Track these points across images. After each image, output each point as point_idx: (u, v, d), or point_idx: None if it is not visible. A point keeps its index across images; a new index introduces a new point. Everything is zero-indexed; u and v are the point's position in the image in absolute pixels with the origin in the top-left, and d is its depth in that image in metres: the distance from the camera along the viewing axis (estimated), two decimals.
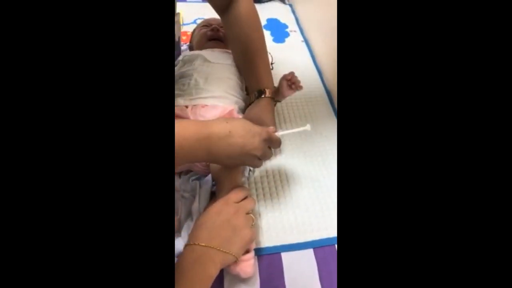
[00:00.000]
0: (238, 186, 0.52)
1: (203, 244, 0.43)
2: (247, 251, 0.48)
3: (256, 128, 0.47)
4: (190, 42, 0.85)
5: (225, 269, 0.47)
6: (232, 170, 0.53)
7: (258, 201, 0.58)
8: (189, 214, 0.54)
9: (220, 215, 0.46)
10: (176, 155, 0.39)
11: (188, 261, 0.41)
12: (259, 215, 0.56)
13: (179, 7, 0.76)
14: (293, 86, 0.64)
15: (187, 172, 0.60)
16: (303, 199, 0.59)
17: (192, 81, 0.64)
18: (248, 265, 0.47)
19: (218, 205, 0.48)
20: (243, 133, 0.45)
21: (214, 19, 0.80)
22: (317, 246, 0.53)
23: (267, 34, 1.01)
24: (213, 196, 0.55)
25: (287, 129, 0.55)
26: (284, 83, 0.64)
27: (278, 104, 0.71)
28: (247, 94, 0.69)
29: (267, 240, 0.53)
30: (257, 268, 0.50)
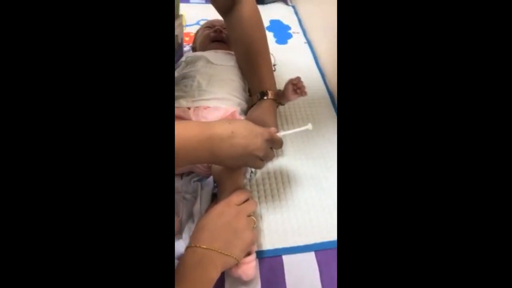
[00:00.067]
0: (240, 188, 0.52)
1: (204, 246, 0.42)
2: (249, 254, 0.47)
3: (258, 129, 0.48)
4: (193, 43, 0.85)
5: (226, 272, 0.47)
6: (234, 172, 0.53)
7: (259, 203, 0.58)
8: (190, 216, 0.54)
9: (222, 217, 0.46)
10: (179, 156, 0.39)
11: (189, 263, 0.41)
12: (261, 217, 0.56)
13: (182, 9, 0.76)
14: (298, 91, 0.64)
15: (189, 173, 0.60)
16: (304, 201, 0.59)
17: (195, 83, 0.64)
18: (250, 268, 0.46)
19: (219, 207, 0.48)
20: (245, 133, 0.45)
21: (217, 21, 0.80)
22: (318, 249, 0.52)
23: (269, 36, 1.01)
24: (215, 198, 0.55)
25: (289, 129, 0.55)
26: (290, 87, 0.64)
27: (280, 105, 0.71)
28: (250, 95, 0.69)
29: (269, 242, 0.53)
30: (258, 270, 0.49)
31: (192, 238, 0.45)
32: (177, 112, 0.60)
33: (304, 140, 0.70)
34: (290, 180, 0.62)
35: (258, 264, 0.50)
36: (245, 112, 0.67)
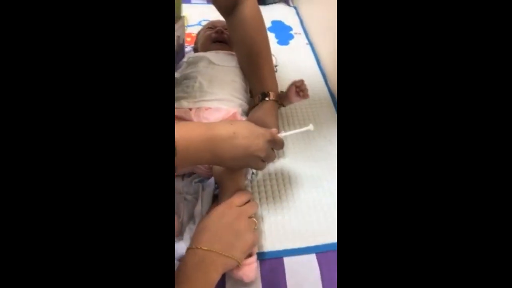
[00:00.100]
0: (241, 189, 0.52)
1: (205, 248, 0.42)
2: (250, 255, 0.47)
3: (260, 130, 0.48)
4: (195, 44, 0.85)
5: (227, 274, 0.47)
6: (235, 173, 0.53)
7: (260, 204, 0.58)
8: (191, 217, 0.54)
9: (223, 218, 0.46)
10: (181, 157, 0.39)
11: (190, 265, 0.41)
12: (262, 219, 0.56)
13: (184, 9, 0.76)
14: (301, 94, 0.64)
15: (190, 174, 0.60)
16: (306, 203, 0.59)
17: (197, 84, 0.64)
18: (251, 269, 0.46)
19: (220, 209, 0.48)
20: (247, 134, 0.45)
21: (219, 21, 0.80)
22: (320, 251, 0.52)
23: (271, 36, 1.01)
24: (216, 199, 0.55)
25: (290, 130, 0.55)
26: (293, 89, 0.64)
27: (282, 107, 0.71)
28: (251, 96, 0.69)
29: (270, 244, 0.53)
30: (259, 272, 0.49)
31: (193, 239, 0.45)
32: (178, 113, 0.60)
33: (306, 141, 0.70)
34: (291, 182, 0.62)
35: (259, 265, 0.50)
36: (247, 113, 0.67)
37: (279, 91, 0.68)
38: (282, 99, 0.66)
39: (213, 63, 0.68)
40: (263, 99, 0.64)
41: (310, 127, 0.53)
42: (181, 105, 0.61)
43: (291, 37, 1.03)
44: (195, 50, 0.84)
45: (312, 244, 0.53)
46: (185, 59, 0.74)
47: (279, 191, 0.60)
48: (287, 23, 1.10)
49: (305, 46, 0.99)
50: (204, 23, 0.90)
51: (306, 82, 0.65)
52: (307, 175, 0.63)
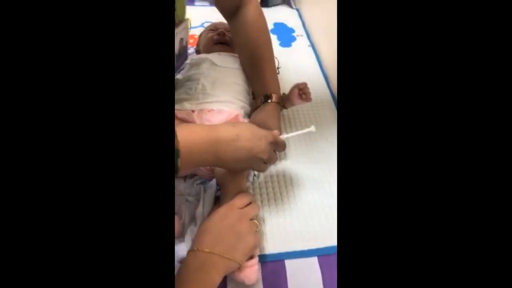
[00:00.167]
0: (243, 191, 0.52)
1: (206, 250, 0.42)
2: (251, 257, 0.47)
3: (262, 132, 0.48)
4: (197, 46, 0.85)
5: (229, 276, 0.47)
6: (237, 175, 0.53)
7: (262, 207, 0.58)
8: (193, 219, 0.54)
9: (224, 220, 0.46)
10: (183, 159, 0.39)
11: (191, 268, 0.41)
12: (263, 221, 0.56)
13: (187, 11, 0.77)
14: (303, 97, 0.64)
15: (192, 175, 0.60)
16: (308, 205, 0.59)
17: (199, 86, 0.64)
18: (252, 271, 0.46)
19: (222, 211, 0.48)
20: (249, 136, 0.45)
21: (221, 23, 0.80)
22: (321, 254, 0.52)
23: (273, 38, 1.01)
24: (217, 201, 0.55)
25: (292, 132, 0.55)
26: (295, 91, 0.64)
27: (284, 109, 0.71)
28: (253, 98, 0.69)
29: (271, 246, 0.53)
30: (261, 274, 0.49)
31: (195, 241, 0.45)
32: (181, 115, 0.61)
33: (308, 143, 0.70)
34: (293, 184, 0.62)
35: (260, 268, 0.50)
36: (249, 115, 0.67)
37: (281, 93, 0.68)
38: (284, 101, 0.66)
39: (216, 65, 0.68)
40: (265, 101, 0.64)
41: (312, 128, 0.53)
42: (184, 107, 0.61)
43: (293, 39, 1.03)
44: (197, 52, 0.84)
45: (314, 246, 0.53)
46: (188, 61, 0.74)
47: (280, 193, 0.60)
48: (289, 25, 1.10)
49: (307, 48, 0.99)
50: (207, 25, 0.90)
51: (308, 85, 0.65)
52: (309, 177, 0.63)
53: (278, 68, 0.80)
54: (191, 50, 0.89)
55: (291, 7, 1.20)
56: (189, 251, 0.44)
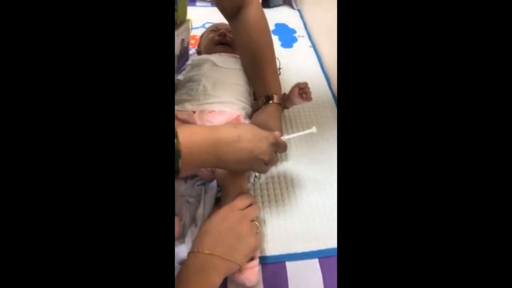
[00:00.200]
0: (244, 192, 0.52)
1: (207, 251, 0.42)
2: (252, 259, 0.47)
3: (263, 133, 0.48)
4: (198, 46, 0.85)
5: (229, 278, 0.47)
6: (238, 176, 0.52)
7: (263, 208, 0.58)
8: (193, 220, 0.54)
9: (225, 222, 0.46)
10: (184, 160, 0.39)
11: (192, 269, 0.41)
12: (264, 222, 0.56)
13: (189, 12, 0.77)
14: (304, 96, 0.64)
15: (193, 177, 0.60)
16: (309, 207, 0.59)
17: (200, 87, 0.64)
18: (253, 273, 0.46)
19: (223, 212, 0.47)
20: (251, 137, 0.45)
21: (223, 24, 0.80)
22: (322, 256, 0.52)
23: (275, 39, 1.01)
24: (218, 202, 0.55)
25: (293, 133, 0.54)
26: (296, 90, 0.64)
27: (285, 109, 0.71)
28: (255, 99, 0.69)
29: (272, 248, 0.53)
30: (261, 276, 0.49)
31: (195, 242, 0.45)
32: (182, 115, 0.60)
33: (309, 145, 0.69)
34: (294, 185, 0.62)
35: (261, 269, 0.49)
36: (250, 116, 0.67)
37: (282, 93, 0.67)
38: (285, 101, 0.66)
39: (217, 66, 0.68)
40: (266, 102, 0.64)
41: (313, 129, 0.53)
42: (185, 108, 0.61)
43: (295, 40, 1.03)
44: (199, 52, 0.84)
45: (315, 248, 0.53)
46: (189, 62, 0.74)
47: (281, 194, 0.60)
48: (290, 26, 1.10)
49: (309, 49, 0.99)
50: (208, 25, 0.90)
51: (309, 85, 0.65)
52: (310, 178, 0.63)
53: (279, 69, 0.80)
54: (192, 51, 0.89)
55: (292, 7, 1.20)
56: (189, 253, 0.44)
